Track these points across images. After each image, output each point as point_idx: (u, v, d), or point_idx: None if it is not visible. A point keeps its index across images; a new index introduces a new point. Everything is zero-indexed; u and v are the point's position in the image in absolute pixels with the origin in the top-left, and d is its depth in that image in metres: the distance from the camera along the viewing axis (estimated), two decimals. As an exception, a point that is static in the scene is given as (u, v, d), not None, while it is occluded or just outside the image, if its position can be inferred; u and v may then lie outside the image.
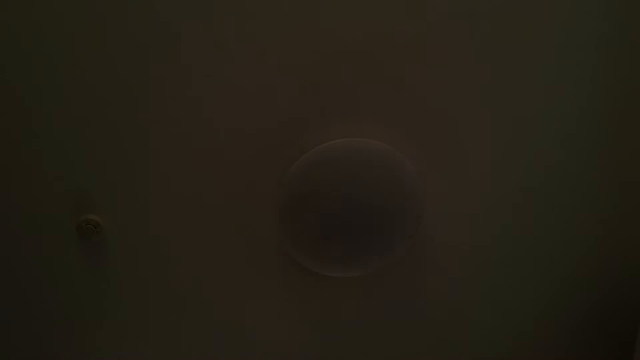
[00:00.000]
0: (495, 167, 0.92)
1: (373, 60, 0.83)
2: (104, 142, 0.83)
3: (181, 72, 0.80)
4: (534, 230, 0.98)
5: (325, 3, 0.79)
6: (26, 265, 0.90)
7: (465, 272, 0.99)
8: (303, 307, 0.98)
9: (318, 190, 0.85)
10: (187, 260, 0.92)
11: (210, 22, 0.78)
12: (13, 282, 0.91)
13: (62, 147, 0.83)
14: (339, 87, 0.84)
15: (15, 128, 0.81)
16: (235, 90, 0.82)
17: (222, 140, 0.85)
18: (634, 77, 0.90)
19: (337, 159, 0.85)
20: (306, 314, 0.99)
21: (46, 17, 0.76)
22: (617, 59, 0.89)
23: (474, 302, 1.02)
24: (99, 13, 0.77)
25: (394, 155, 0.86)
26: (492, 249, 0.98)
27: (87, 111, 0.81)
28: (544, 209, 0.96)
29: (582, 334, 1.08)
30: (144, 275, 0.92)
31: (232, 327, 0.98)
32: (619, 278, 1.04)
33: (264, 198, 0.89)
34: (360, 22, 0.81)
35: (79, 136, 0.83)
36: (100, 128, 0.82)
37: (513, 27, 0.84)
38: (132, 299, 0.94)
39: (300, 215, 0.87)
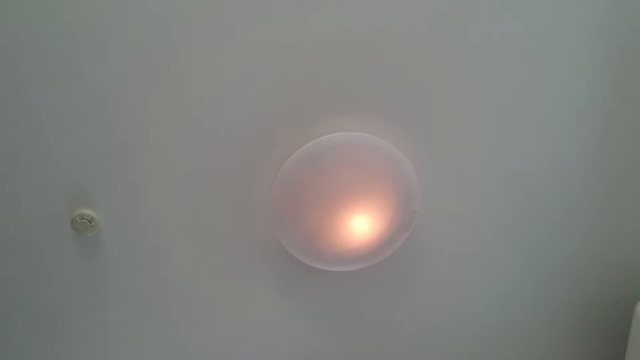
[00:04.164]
0: (492, 162, 0.92)
1: (368, 55, 0.83)
2: (100, 137, 0.83)
3: (179, 71, 0.80)
4: (531, 226, 0.98)
5: (322, 1, 0.79)
6: (19, 259, 0.89)
7: (461, 267, 0.99)
8: (301, 302, 0.98)
9: (313, 184, 0.85)
10: (183, 257, 0.92)
11: (207, 22, 0.78)
12: (6, 277, 0.90)
13: (56, 141, 0.83)
14: (334, 81, 0.84)
15: (9, 122, 0.81)
16: (231, 88, 0.82)
17: (219, 137, 0.85)
18: (635, 76, 0.91)
19: (333, 153, 0.85)
20: (304, 309, 0.99)
21: (44, 14, 0.76)
22: (618, 58, 0.89)
23: (469, 298, 1.02)
24: (97, 10, 0.76)
25: (389, 148, 0.86)
26: (489, 245, 0.98)
27: (83, 106, 0.81)
28: (541, 205, 0.97)
29: (577, 332, 1.08)
30: (140, 271, 0.92)
31: (230, 324, 0.98)
32: (615, 277, 1.05)
33: (261, 194, 0.89)
34: (357, 19, 0.81)
35: (74, 130, 0.82)
36: (97, 124, 0.82)
37: (512, 26, 0.84)
38: (128, 295, 0.93)
39: (296, 210, 0.87)
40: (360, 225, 0.88)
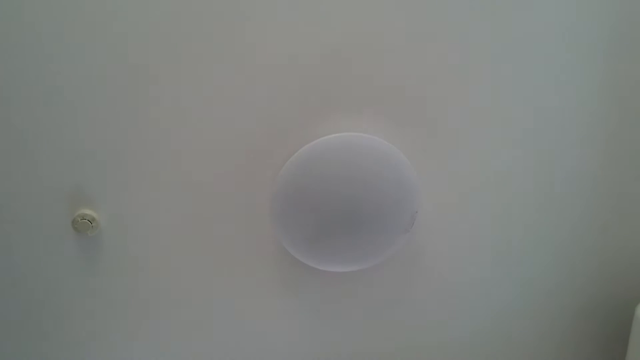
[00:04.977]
0: (492, 163, 0.92)
1: (369, 56, 0.83)
2: (101, 137, 0.83)
3: (179, 70, 0.80)
4: (531, 226, 0.98)
5: (320, 1, 0.79)
6: (20, 259, 0.89)
7: (461, 267, 0.99)
8: (301, 302, 0.98)
9: (314, 185, 0.85)
10: (183, 257, 0.92)
11: (208, 23, 0.78)
12: (7, 277, 0.90)
13: (58, 141, 0.83)
14: (334, 82, 0.84)
15: (9, 121, 0.81)
16: (231, 88, 0.82)
17: (219, 137, 0.85)
18: (634, 76, 0.91)
19: (333, 153, 0.85)
20: (304, 309, 0.99)
21: (44, 14, 0.76)
22: (618, 58, 0.89)
23: (468, 298, 1.02)
24: (97, 11, 0.76)
25: (389, 149, 0.86)
26: (488, 245, 0.98)
27: (84, 106, 0.81)
28: (541, 205, 0.97)
29: (577, 334, 1.08)
30: (140, 271, 0.92)
31: (230, 324, 0.98)
32: (616, 278, 1.05)
33: (260, 194, 0.89)
34: (355, 19, 0.81)
35: (75, 130, 0.82)
36: (98, 124, 0.82)
37: (512, 26, 0.84)
38: (128, 295, 0.93)
39: (296, 211, 0.87)
40: (361, 224, 0.88)
